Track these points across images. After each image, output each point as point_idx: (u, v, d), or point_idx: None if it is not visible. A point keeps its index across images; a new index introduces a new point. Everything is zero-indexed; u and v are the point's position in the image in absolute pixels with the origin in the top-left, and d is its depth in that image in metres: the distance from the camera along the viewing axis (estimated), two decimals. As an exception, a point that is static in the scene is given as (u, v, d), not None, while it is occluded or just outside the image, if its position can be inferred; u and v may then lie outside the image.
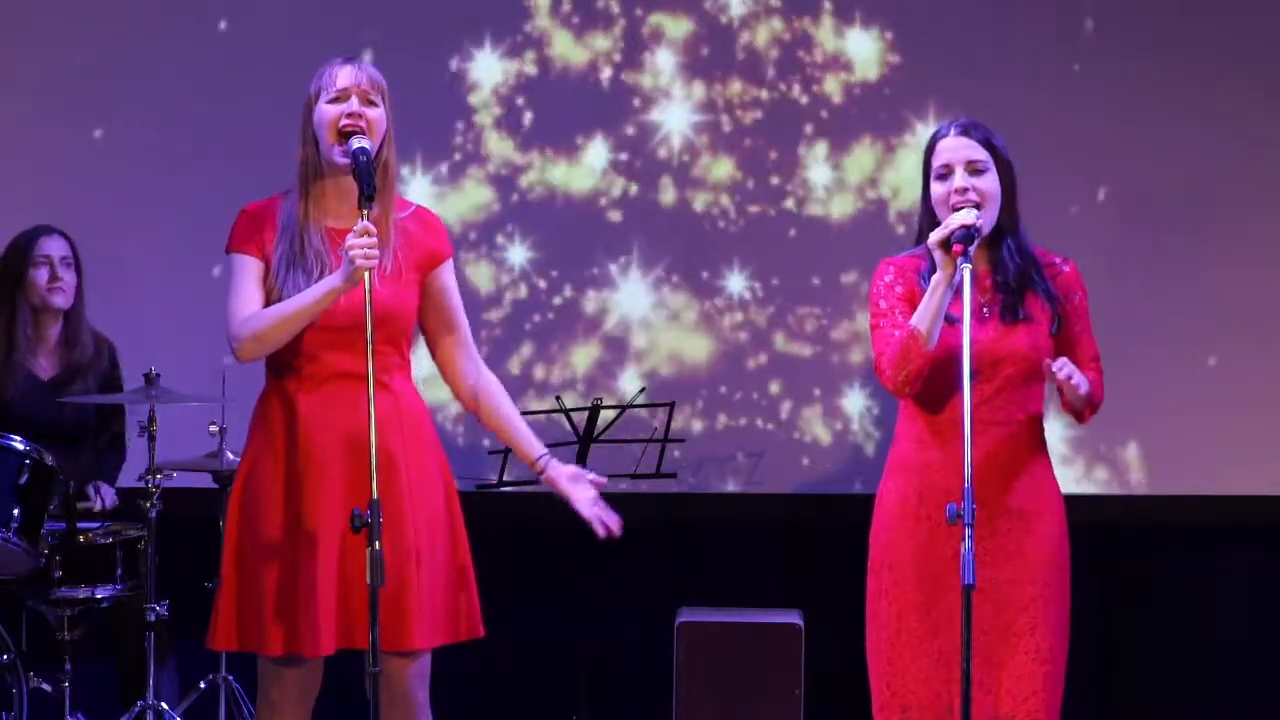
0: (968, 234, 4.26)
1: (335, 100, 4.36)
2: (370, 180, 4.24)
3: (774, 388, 6.61)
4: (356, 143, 4.30)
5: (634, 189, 6.60)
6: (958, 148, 4.40)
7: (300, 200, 4.40)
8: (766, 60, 6.56)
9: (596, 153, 6.58)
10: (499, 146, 6.59)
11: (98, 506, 5.98)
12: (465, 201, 6.60)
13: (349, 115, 4.33)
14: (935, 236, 4.30)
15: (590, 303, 6.61)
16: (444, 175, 6.58)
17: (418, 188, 6.52)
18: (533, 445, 4.57)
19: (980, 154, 4.40)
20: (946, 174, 4.40)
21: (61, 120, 6.60)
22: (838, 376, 6.60)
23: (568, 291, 6.62)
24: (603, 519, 4.57)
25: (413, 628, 4.32)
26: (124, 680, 5.98)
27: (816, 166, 6.57)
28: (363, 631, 4.30)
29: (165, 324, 6.50)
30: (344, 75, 4.37)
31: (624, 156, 6.58)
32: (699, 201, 6.60)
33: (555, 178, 6.59)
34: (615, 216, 6.60)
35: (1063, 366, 4.32)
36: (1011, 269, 4.43)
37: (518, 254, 6.61)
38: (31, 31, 6.62)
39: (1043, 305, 4.43)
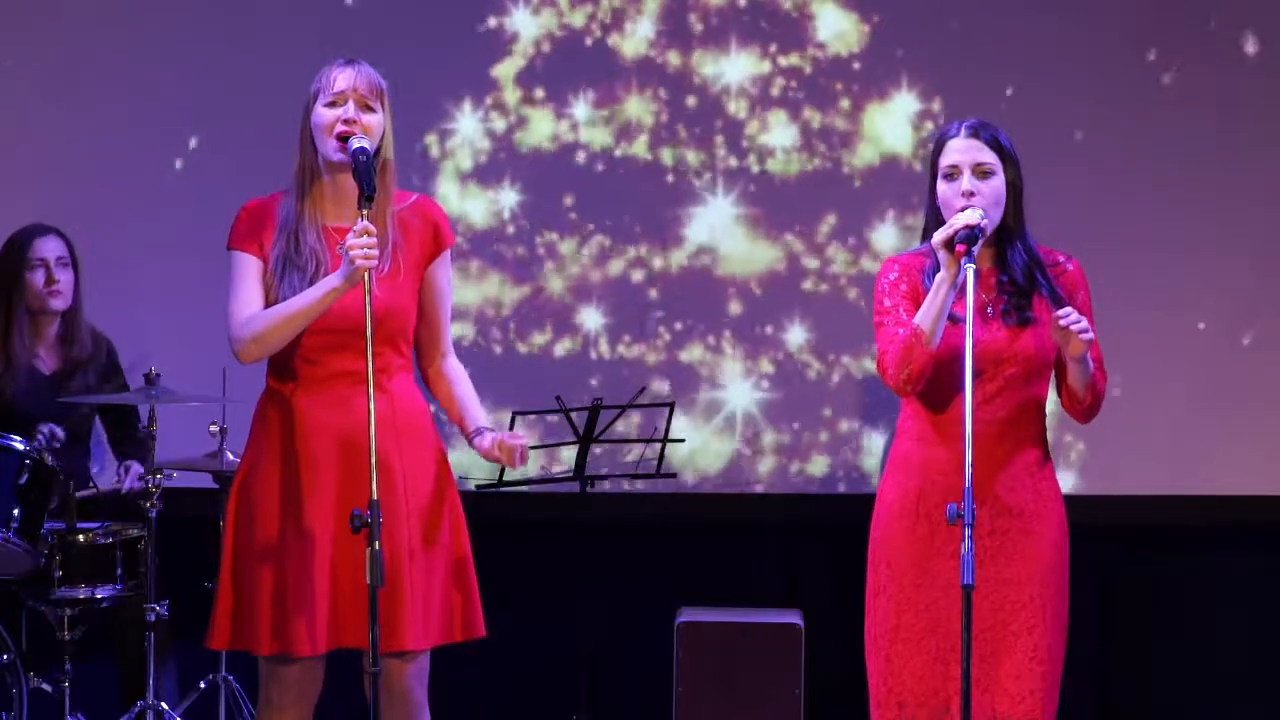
0: (971, 234, 4.26)
1: (332, 104, 4.35)
2: (370, 180, 4.24)
3: (775, 386, 6.60)
4: (356, 142, 4.30)
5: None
6: (966, 150, 4.40)
7: (297, 200, 4.40)
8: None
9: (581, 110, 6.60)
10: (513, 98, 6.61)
11: (126, 487, 5.96)
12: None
13: (344, 121, 4.33)
14: (939, 236, 4.30)
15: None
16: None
17: (468, 126, 6.54)
18: (474, 419, 4.49)
19: (989, 156, 4.39)
20: (954, 175, 4.40)
21: (61, 118, 6.59)
22: (838, 374, 6.59)
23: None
24: (506, 445, 4.39)
25: (406, 628, 4.31)
26: (124, 680, 5.98)
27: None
28: (352, 631, 4.31)
29: (165, 324, 6.50)
30: (342, 79, 4.36)
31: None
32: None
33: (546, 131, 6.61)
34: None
35: (1068, 314, 4.30)
36: (1016, 269, 4.44)
37: (508, 197, 6.62)
38: (30, 30, 6.62)
39: (1046, 305, 4.43)
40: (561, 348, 6.59)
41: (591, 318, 6.59)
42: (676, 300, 6.58)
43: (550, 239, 6.60)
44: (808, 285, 6.57)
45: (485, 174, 6.59)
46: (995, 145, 4.42)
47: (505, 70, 6.59)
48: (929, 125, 6.51)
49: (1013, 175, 4.43)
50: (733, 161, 6.58)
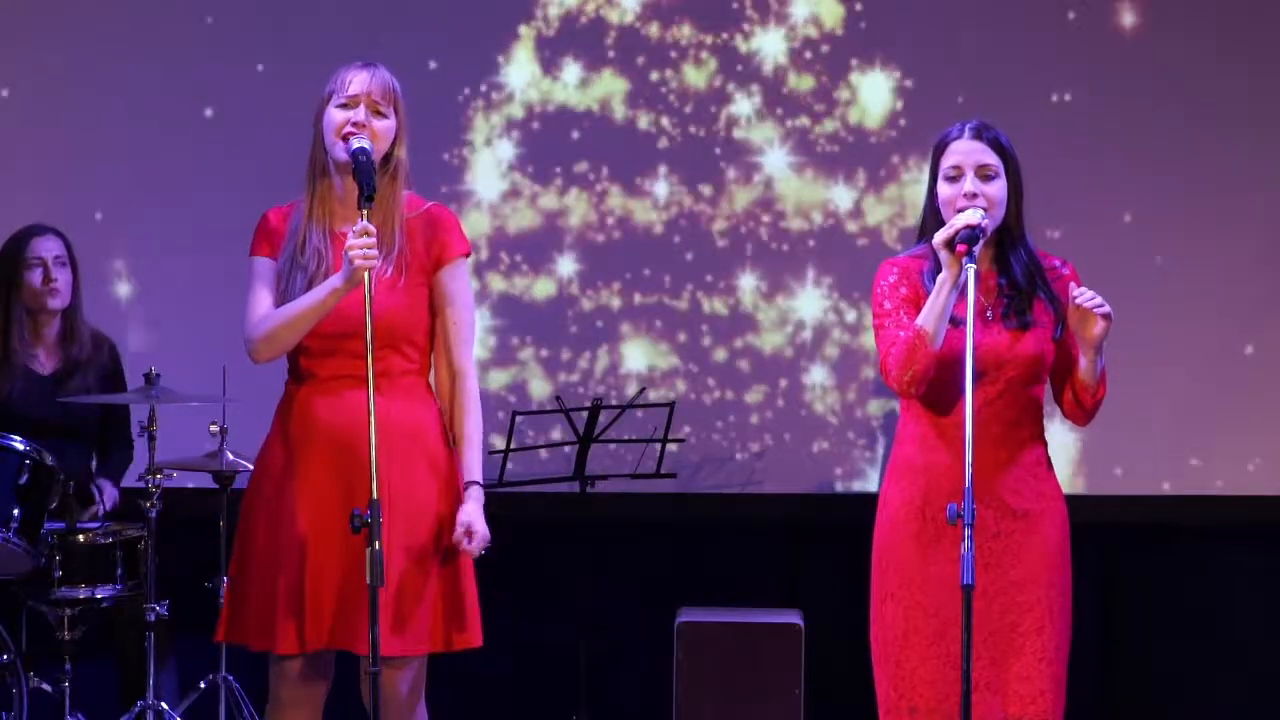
0: (972, 234, 4.25)
1: (344, 106, 4.35)
2: (370, 180, 4.24)
3: (774, 387, 6.61)
4: (357, 142, 4.30)
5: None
6: (969, 151, 4.39)
7: (307, 199, 4.41)
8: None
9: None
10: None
11: (102, 510, 5.97)
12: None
13: (353, 124, 4.33)
14: (940, 236, 4.30)
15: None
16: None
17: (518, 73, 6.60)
18: (467, 471, 4.46)
19: (992, 158, 4.39)
20: (956, 176, 4.39)
21: (61, 119, 6.60)
22: (838, 375, 6.60)
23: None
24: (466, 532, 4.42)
25: (383, 635, 4.27)
26: (124, 680, 5.98)
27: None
28: (331, 632, 4.31)
29: (165, 324, 6.51)
30: (356, 82, 4.36)
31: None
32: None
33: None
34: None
35: (1082, 291, 4.31)
36: (1017, 272, 4.43)
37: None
38: (30, 30, 6.62)
39: (1045, 308, 4.43)
40: (540, 290, 6.63)
41: (566, 265, 6.63)
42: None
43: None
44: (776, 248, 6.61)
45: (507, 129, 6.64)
46: (997, 147, 4.41)
47: (529, 33, 6.64)
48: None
49: (1014, 177, 4.43)
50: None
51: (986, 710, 4.32)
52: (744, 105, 6.60)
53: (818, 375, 6.60)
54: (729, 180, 6.61)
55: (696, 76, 6.61)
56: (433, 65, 6.52)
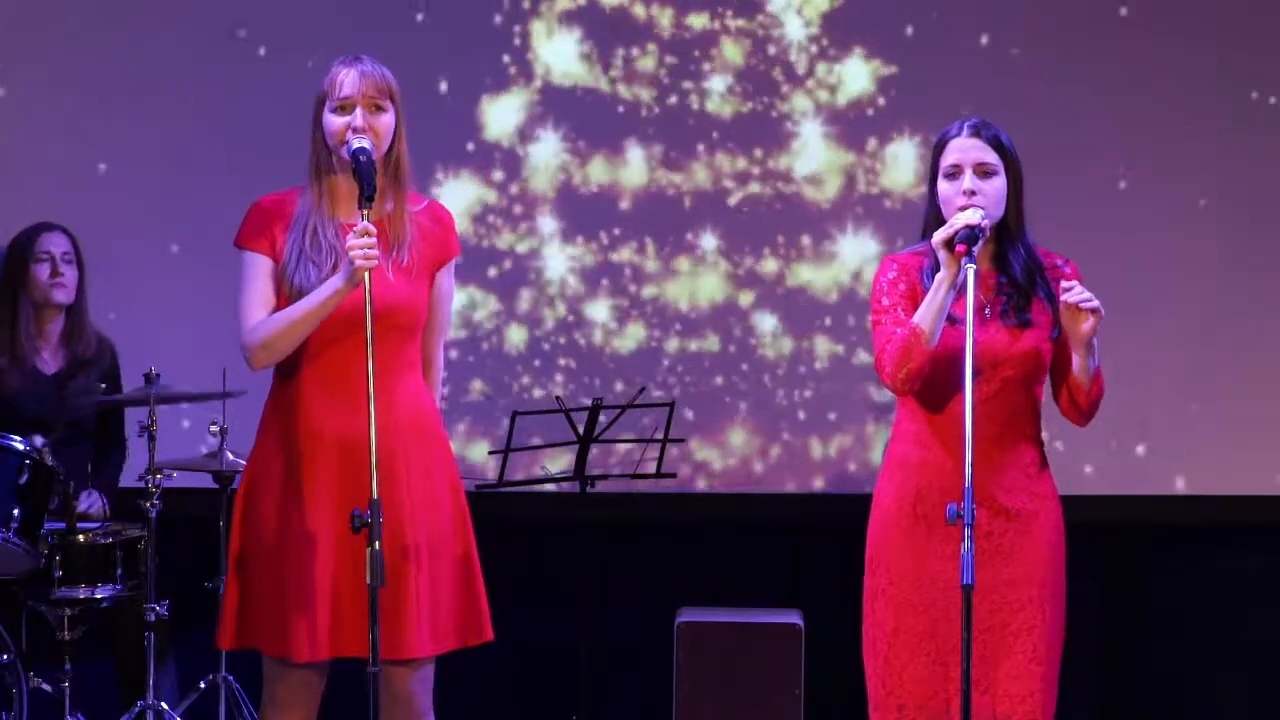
0: (972, 234, 4.25)
1: (340, 109, 4.33)
2: (371, 180, 4.23)
3: (774, 385, 6.61)
4: (356, 143, 4.28)
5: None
6: (968, 149, 4.39)
7: (314, 193, 4.38)
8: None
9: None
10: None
11: (87, 508, 5.97)
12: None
13: (354, 130, 4.31)
14: (940, 236, 4.30)
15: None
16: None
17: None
18: None
19: (991, 156, 4.39)
20: (955, 174, 4.39)
21: (62, 118, 6.60)
22: (838, 375, 6.60)
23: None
24: None
25: (411, 636, 4.29)
26: (124, 680, 5.98)
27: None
28: (353, 639, 4.29)
29: (165, 324, 6.50)
30: (349, 83, 4.33)
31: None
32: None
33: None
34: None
35: (1072, 286, 4.31)
36: (1016, 270, 4.43)
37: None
38: (33, 31, 6.62)
39: (1044, 307, 4.43)
40: (524, 244, 6.66)
41: (549, 223, 6.64)
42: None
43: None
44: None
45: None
46: (997, 145, 4.41)
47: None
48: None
49: (1014, 175, 4.43)
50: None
51: (975, 709, 4.31)
52: (717, 82, 6.61)
53: (818, 374, 6.60)
54: (762, 155, 6.62)
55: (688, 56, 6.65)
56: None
